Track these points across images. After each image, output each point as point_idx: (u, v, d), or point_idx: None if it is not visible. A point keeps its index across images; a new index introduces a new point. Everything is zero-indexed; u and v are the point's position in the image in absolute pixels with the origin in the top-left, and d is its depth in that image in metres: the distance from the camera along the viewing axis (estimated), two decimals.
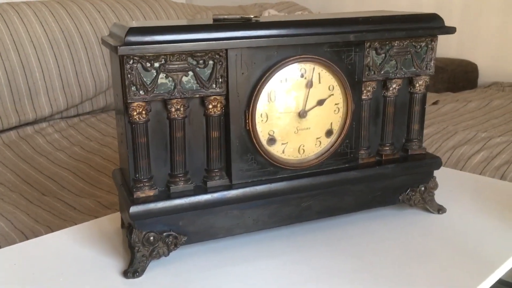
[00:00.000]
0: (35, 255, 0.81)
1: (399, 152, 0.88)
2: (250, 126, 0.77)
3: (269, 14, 2.38)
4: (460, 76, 2.27)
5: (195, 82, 0.74)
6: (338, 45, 0.79)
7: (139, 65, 0.70)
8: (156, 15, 2.10)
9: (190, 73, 0.73)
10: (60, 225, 1.20)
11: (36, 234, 1.17)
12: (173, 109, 0.74)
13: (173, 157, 0.76)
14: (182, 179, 0.77)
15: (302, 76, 0.79)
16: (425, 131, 1.57)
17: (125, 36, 0.68)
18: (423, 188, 0.89)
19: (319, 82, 0.80)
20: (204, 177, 0.79)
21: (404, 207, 0.91)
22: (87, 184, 1.45)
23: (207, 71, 0.74)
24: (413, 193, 0.89)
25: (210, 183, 0.78)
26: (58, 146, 1.69)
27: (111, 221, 0.92)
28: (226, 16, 0.78)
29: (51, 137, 1.76)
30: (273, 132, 0.79)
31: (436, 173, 0.90)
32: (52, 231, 1.17)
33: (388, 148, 0.87)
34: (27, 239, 1.14)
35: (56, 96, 1.81)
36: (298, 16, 0.90)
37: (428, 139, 1.54)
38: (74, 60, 1.84)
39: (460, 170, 1.37)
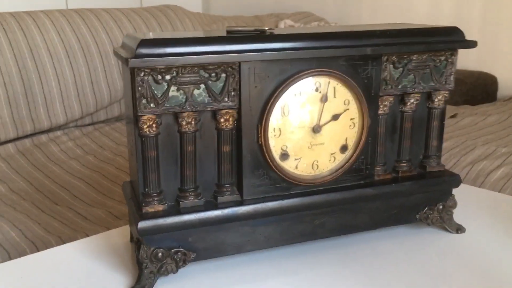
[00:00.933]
0: (43, 268, 0.80)
1: (416, 169, 0.85)
2: (263, 140, 0.75)
3: (285, 25, 2.37)
4: (479, 89, 2.23)
5: (207, 95, 0.72)
6: (354, 58, 0.77)
7: (150, 77, 0.69)
8: (172, 24, 2.10)
9: (202, 86, 0.71)
10: (70, 236, 1.19)
11: (46, 245, 1.16)
12: (184, 123, 0.72)
13: (183, 172, 0.74)
14: (192, 194, 0.75)
15: (316, 90, 0.77)
16: (443, 145, 1.54)
17: (136, 48, 0.66)
18: (441, 207, 0.86)
19: (334, 96, 0.78)
20: (214, 192, 0.77)
21: (421, 226, 0.88)
22: (99, 194, 1.44)
23: (219, 84, 0.72)
24: (431, 212, 0.86)
25: (220, 199, 0.76)
26: (72, 154, 1.69)
27: (121, 234, 0.90)
28: (240, 28, 0.76)
29: (65, 145, 1.76)
30: (286, 147, 0.77)
31: (454, 190, 0.87)
32: (63, 241, 1.17)
33: (405, 164, 0.84)
34: (38, 249, 1.13)
35: (71, 104, 1.81)
36: (313, 28, 0.88)
37: (446, 153, 1.50)
38: (90, 69, 1.85)
39: (479, 186, 1.34)
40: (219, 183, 0.77)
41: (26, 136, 1.77)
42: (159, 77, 0.69)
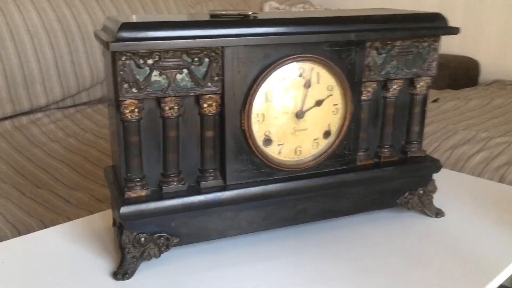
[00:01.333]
0: (24, 253, 0.80)
1: (398, 154, 0.86)
2: (246, 126, 0.75)
3: (270, 7, 2.35)
4: (462, 73, 2.25)
5: (190, 80, 0.71)
6: (338, 44, 0.77)
7: (131, 62, 0.68)
8: (155, 5, 2.07)
9: (185, 70, 0.71)
10: (52, 219, 1.19)
11: (28, 228, 1.15)
12: (166, 108, 0.72)
13: (166, 157, 0.74)
14: (175, 179, 0.75)
15: (300, 75, 0.76)
16: (424, 130, 1.56)
17: (118, 31, 0.65)
18: (421, 192, 0.87)
19: (318, 82, 0.78)
20: (197, 178, 0.77)
21: (402, 210, 0.89)
22: (81, 177, 1.43)
23: (203, 69, 0.72)
24: (411, 196, 0.87)
25: (203, 184, 0.76)
26: (54, 137, 1.67)
27: (103, 219, 0.90)
28: (223, 12, 0.75)
29: (46, 127, 1.74)
30: (270, 133, 0.77)
31: (434, 175, 0.88)
32: (45, 225, 1.16)
33: (387, 150, 0.85)
34: (19, 233, 1.12)
35: (52, 86, 1.78)
36: (297, 13, 0.88)
37: (427, 137, 1.52)
38: (71, 49, 1.81)
39: (459, 170, 1.36)
40: (202, 168, 0.77)
41: (6, 118, 1.74)
42: (141, 61, 0.68)
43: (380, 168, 0.83)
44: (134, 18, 0.71)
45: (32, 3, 1.79)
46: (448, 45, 2.30)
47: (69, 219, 1.13)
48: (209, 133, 0.75)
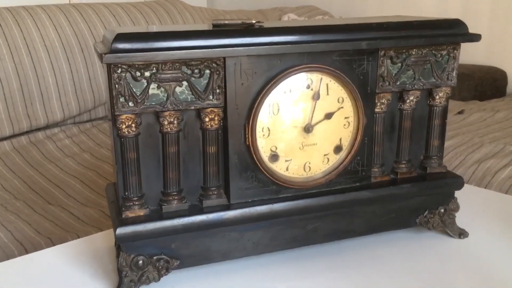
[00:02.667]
0: (25, 273, 0.77)
1: (416, 170, 0.81)
2: (250, 141, 0.70)
3: (289, 18, 2.32)
4: (488, 84, 2.16)
5: (190, 93, 0.68)
6: (349, 53, 0.72)
7: (128, 74, 0.64)
8: (172, 19, 2.06)
9: (185, 83, 0.67)
10: (61, 237, 1.16)
11: (35, 246, 1.13)
12: (166, 122, 0.68)
13: (166, 174, 0.70)
14: (176, 197, 0.71)
15: (308, 87, 0.72)
16: (448, 143, 1.49)
17: (112, 43, 0.62)
18: (442, 210, 0.82)
19: (327, 94, 0.73)
20: (200, 196, 0.73)
21: (421, 230, 0.84)
22: (93, 192, 1.40)
23: (203, 81, 0.68)
24: (432, 216, 0.81)
25: (206, 203, 0.72)
26: (68, 152, 1.66)
27: (106, 238, 0.86)
28: (226, 22, 0.71)
29: (62, 142, 1.73)
30: (276, 148, 0.73)
31: (458, 192, 0.82)
32: (53, 242, 1.13)
33: (404, 165, 0.80)
34: (26, 251, 1.10)
35: (69, 100, 1.78)
36: (305, 21, 0.83)
37: (451, 151, 1.45)
38: (87, 64, 1.81)
39: (486, 185, 1.28)
40: (204, 186, 0.73)
41: (22, 134, 1.74)
42: (138, 73, 0.65)
43: (397, 185, 0.78)
44: (130, 29, 0.68)
45: (49, 18, 1.79)
46: (472, 54, 2.22)
47: (78, 237, 1.10)
48: (212, 149, 0.71)
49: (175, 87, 0.67)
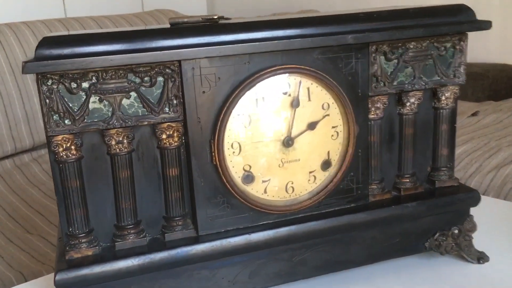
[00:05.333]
0: None
1: (423, 185, 0.70)
2: (218, 160, 0.58)
3: None
4: (503, 83, 2.02)
5: (141, 105, 0.56)
6: (333, 50, 0.61)
7: (61, 86, 0.53)
8: None
9: (133, 94, 0.56)
10: (35, 271, 1.06)
11: (5, 283, 1.03)
12: (113, 142, 0.56)
13: (118, 204, 0.59)
14: (132, 231, 0.59)
15: (285, 93, 0.60)
16: (462, 148, 1.35)
17: (36, 49, 0.51)
18: (456, 231, 0.70)
19: (309, 100, 0.61)
20: (162, 228, 0.61)
21: (432, 256, 0.73)
22: None
23: (156, 90, 0.56)
24: (444, 238, 0.70)
25: (169, 236, 0.60)
26: None
27: None
28: (185, 19, 0.60)
29: (47, 165, 1.62)
30: (250, 167, 0.61)
31: (473, 208, 0.70)
32: (25, 278, 1.04)
33: (408, 180, 0.68)
34: None
35: None
36: (280, 15, 0.71)
37: (466, 157, 1.31)
38: None
39: (507, 193, 1.15)
40: (167, 216, 0.61)
41: (7, 157, 1.64)
42: (74, 85, 0.54)
43: (400, 204, 0.68)
44: (62, 33, 0.57)
45: (33, 35, 1.71)
46: (486, 52, 2.08)
47: (53, 270, 0.99)
48: (173, 171, 0.59)
49: (121, 100, 0.55)
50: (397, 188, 0.69)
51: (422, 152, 0.70)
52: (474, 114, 1.70)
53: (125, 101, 0.56)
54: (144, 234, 0.60)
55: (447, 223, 0.70)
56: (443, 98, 0.68)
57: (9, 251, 1.15)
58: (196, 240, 0.61)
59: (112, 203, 0.59)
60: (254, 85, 0.58)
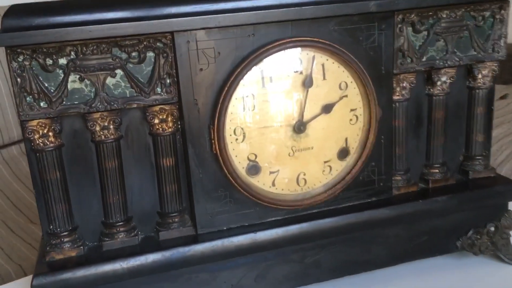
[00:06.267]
0: None
1: (454, 176, 0.64)
2: (218, 148, 0.51)
3: None
4: None
5: (128, 85, 0.49)
6: (352, 20, 0.53)
7: (34, 62, 0.46)
8: None
9: (119, 72, 0.49)
10: (34, 264, 1.00)
11: (2, 277, 0.98)
12: (97, 128, 0.49)
13: (106, 198, 0.52)
14: (122, 229, 0.53)
15: (296, 70, 0.52)
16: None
17: (3, 18, 0.43)
18: (492, 228, 0.64)
19: (324, 78, 0.53)
20: (156, 225, 0.54)
21: (465, 256, 0.67)
22: None
23: (146, 68, 0.49)
24: (478, 236, 0.65)
25: (164, 234, 0.54)
26: None
27: None
28: None
29: None
30: (256, 156, 0.53)
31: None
32: (24, 272, 0.99)
33: (437, 170, 0.63)
34: None
35: None
36: None
37: (495, 144, 1.22)
38: None
39: None
40: (162, 212, 0.54)
41: (14, 143, 1.59)
42: (49, 61, 0.47)
43: (428, 197, 0.62)
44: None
45: None
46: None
47: None
48: (167, 161, 0.52)
49: (105, 79, 0.48)
50: (425, 180, 0.63)
51: (454, 138, 0.64)
52: (503, 97, 1.61)
53: (110, 80, 0.49)
54: (135, 232, 0.54)
55: (482, 219, 0.64)
56: (480, 76, 0.60)
57: (10, 242, 1.10)
58: (194, 239, 0.54)
59: (98, 198, 0.53)
60: (260, 61, 0.51)
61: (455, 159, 0.64)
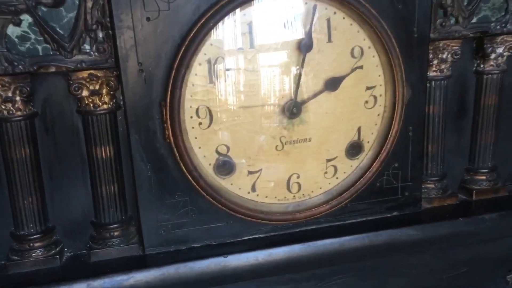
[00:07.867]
0: None
1: (506, 185, 0.46)
2: (172, 136, 0.35)
3: None
4: None
5: (41, 38, 0.34)
6: None
7: None
8: None
9: (26, 18, 0.33)
10: None
11: None
12: None
13: (14, 201, 0.36)
14: (38, 244, 0.37)
15: (289, 26, 0.36)
16: None
17: None
18: None
19: (329, 41, 0.37)
20: (90, 240, 0.39)
21: None
22: None
23: (67, 14, 0.34)
24: None
25: (97, 254, 0.38)
26: None
27: None
28: None
29: None
30: (227, 150, 0.37)
31: None
32: None
33: (484, 177, 0.50)
34: None
35: None
36: None
37: None
38: None
39: None
40: (97, 222, 0.39)
41: None
42: None
43: (471, 214, 0.47)
44: None
45: None
46: None
47: None
48: (104, 151, 0.37)
49: (4, 27, 0.33)
50: (467, 190, 0.49)
51: (509, 134, 0.47)
52: None
53: (12, 30, 0.33)
54: (58, 249, 0.39)
55: None
56: None
57: None
58: (139, 263, 0.39)
59: (4, 200, 0.37)
60: (235, 8, 0.35)
61: (509, 163, 0.48)
